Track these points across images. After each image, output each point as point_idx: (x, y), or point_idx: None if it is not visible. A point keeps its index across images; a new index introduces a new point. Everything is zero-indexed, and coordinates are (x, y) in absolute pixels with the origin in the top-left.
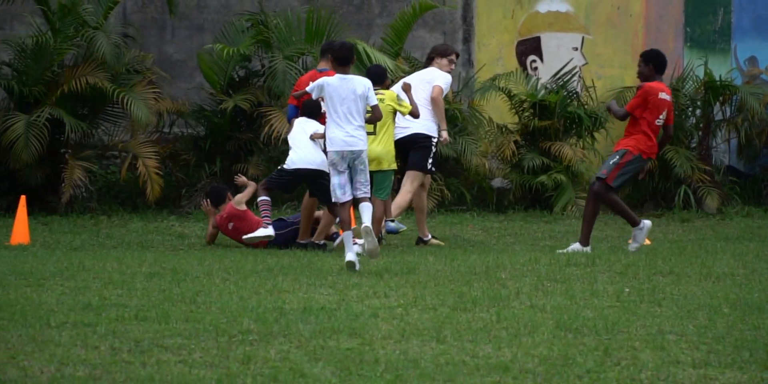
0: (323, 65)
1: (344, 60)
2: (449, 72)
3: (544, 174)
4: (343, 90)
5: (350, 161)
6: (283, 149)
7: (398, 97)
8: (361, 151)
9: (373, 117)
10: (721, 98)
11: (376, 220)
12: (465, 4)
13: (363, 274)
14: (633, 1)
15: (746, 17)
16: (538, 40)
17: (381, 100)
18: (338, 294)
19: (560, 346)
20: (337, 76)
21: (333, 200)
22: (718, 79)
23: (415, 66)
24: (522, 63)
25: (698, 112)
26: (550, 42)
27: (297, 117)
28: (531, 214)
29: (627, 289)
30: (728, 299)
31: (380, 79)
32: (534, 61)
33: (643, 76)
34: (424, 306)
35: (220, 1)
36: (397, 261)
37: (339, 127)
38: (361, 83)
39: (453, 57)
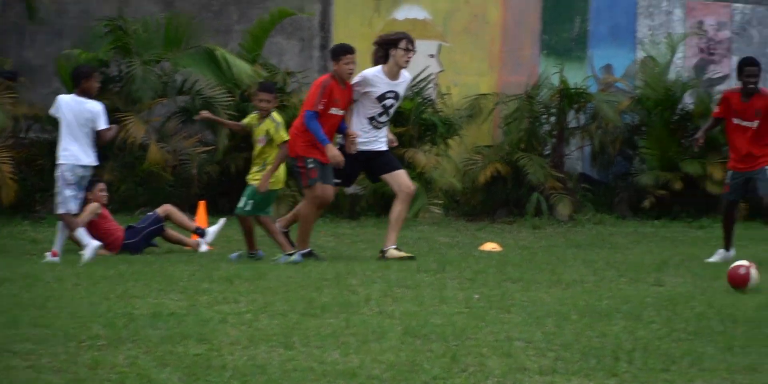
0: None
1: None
2: (406, 63)
3: None
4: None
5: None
6: (137, 154)
7: (277, 126)
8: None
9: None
10: (576, 106)
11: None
12: (323, 12)
13: (213, 279)
14: (490, 8)
15: (603, 25)
16: None
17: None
18: (188, 300)
19: (408, 352)
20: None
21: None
22: (573, 86)
23: (273, 72)
24: None
25: (552, 119)
26: None
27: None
28: (383, 220)
29: (476, 296)
30: (577, 306)
31: (270, 91)
32: None
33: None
34: (274, 312)
35: (79, 7)
36: (248, 267)
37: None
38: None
39: (403, 44)
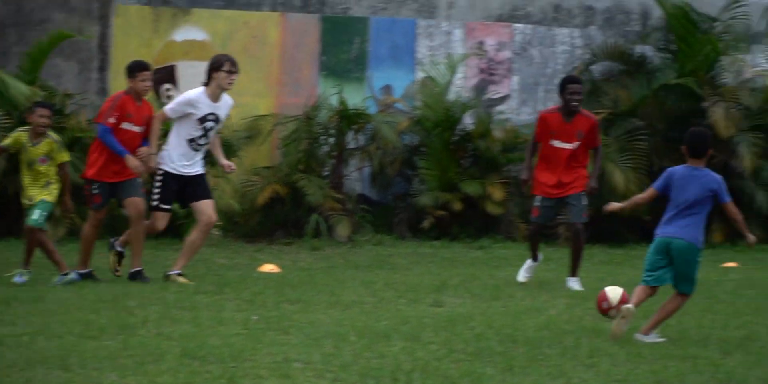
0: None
1: None
2: (230, 85)
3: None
4: None
5: None
6: None
7: (59, 146)
8: None
9: None
10: (355, 126)
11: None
12: (102, 34)
13: None
14: (270, 30)
15: (382, 46)
16: (172, 68)
17: None
18: None
19: (185, 373)
20: None
21: None
22: (352, 107)
23: (52, 93)
24: (157, 91)
25: (332, 140)
26: (186, 70)
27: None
28: (162, 241)
29: (254, 317)
30: (355, 327)
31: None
32: (169, 88)
33: None
34: (51, 334)
35: None
36: (26, 289)
37: None
38: None
39: (227, 66)
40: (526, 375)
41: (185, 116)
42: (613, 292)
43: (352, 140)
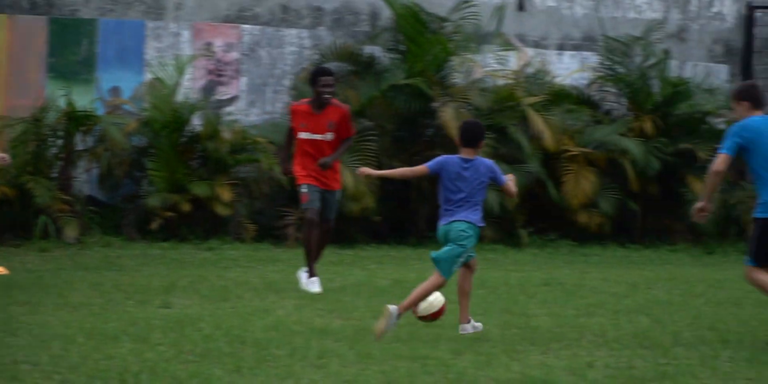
0: None
1: None
2: None
3: None
4: None
5: None
6: None
7: None
8: None
9: None
10: (83, 128)
11: None
12: None
13: None
14: None
15: (111, 48)
16: None
17: None
18: None
19: None
20: None
21: None
22: (80, 109)
23: None
24: None
25: (60, 141)
26: None
27: None
28: None
29: None
30: (83, 329)
31: None
32: None
33: None
34: None
35: None
36: None
37: None
38: None
39: None
40: (254, 376)
41: None
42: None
43: (80, 142)
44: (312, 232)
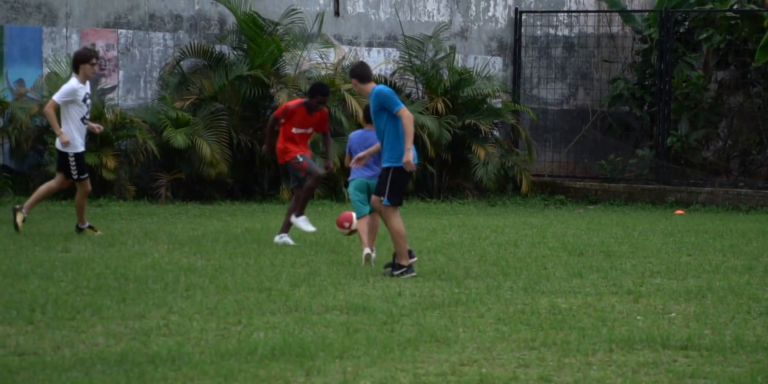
0: None
1: None
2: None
3: None
4: None
5: None
6: None
7: None
8: None
9: None
10: None
11: None
12: None
13: None
14: None
15: (15, 48)
16: None
17: None
18: None
19: None
20: None
21: None
22: None
23: None
24: None
25: None
26: None
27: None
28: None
29: None
30: (0, 269)
31: None
32: None
33: None
34: None
35: None
36: None
37: None
38: None
39: (94, 60)
40: (136, 305)
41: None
42: (353, 218)
43: None
44: (315, 186)
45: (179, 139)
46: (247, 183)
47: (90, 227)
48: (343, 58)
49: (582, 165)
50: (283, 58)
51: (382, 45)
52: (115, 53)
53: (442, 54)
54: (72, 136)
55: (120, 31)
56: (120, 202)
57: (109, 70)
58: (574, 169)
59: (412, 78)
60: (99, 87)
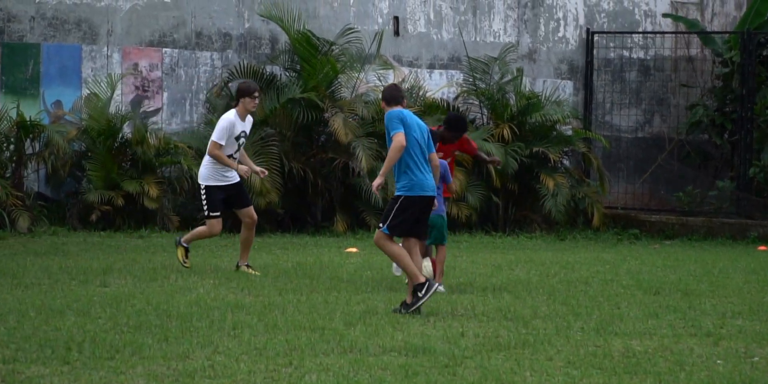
0: None
1: None
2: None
3: None
4: None
5: None
6: None
7: None
8: None
9: None
10: (31, 135)
11: None
12: None
13: None
14: None
15: (53, 68)
16: None
17: None
18: None
19: None
20: None
21: None
22: (28, 119)
23: None
24: None
25: (12, 147)
26: None
27: None
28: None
29: None
30: (34, 305)
31: None
32: None
33: None
34: None
35: None
36: None
37: None
38: None
39: (256, 93)
40: (179, 344)
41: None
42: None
43: (29, 147)
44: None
45: None
46: (298, 213)
47: (248, 266)
48: (403, 80)
49: (658, 197)
50: (339, 80)
51: (444, 67)
52: (159, 74)
53: (509, 77)
54: (211, 170)
55: (165, 50)
56: (163, 234)
57: (152, 92)
58: (649, 201)
59: (477, 102)
60: (141, 110)
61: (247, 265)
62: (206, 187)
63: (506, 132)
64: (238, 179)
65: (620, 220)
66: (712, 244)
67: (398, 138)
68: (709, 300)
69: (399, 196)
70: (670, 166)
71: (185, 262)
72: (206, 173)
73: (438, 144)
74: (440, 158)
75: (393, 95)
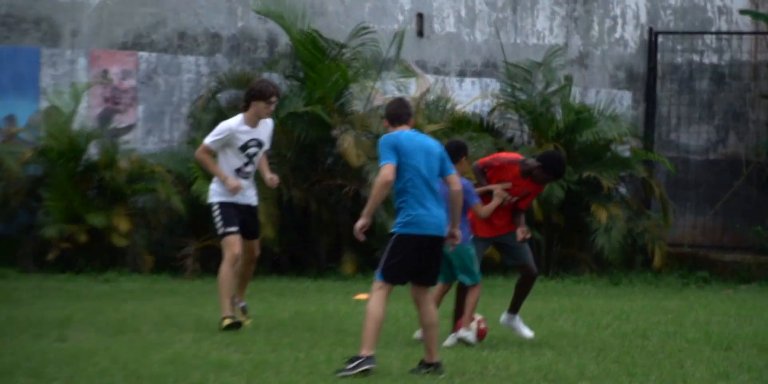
0: None
1: None
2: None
3: None
4: None
5: None
6: None
7: None
8: None
9: None
10: None
11: None
12: None
13: None
14: None
15: (5, 76)
16: None
17: None
18: None
19: None
20: None
21: None
22: None
23: None
24: None
25: None
26: None
27: None
28: None
29: None
30: None
31: None
32: None
33: None
34: None
35: None
36: None
37: None
38: None
39: (273, 98)
40: None
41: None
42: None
43: None
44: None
45: None
46: (299, 252)
47: (244, 310)
48: (428, 90)
49: (732, 232)
50: (350, 90)
51: (477, 74)
52: (133, 82)
53: (555, 86)
54: (222, 185)
55: (140, 53)
56: (134, 276)
57: (125, 105)
58: (721, 237)
59: (516, 117)
60: (111, 126)
61: (243, 308)
62: (219, 203)
63: None
64: (255, 202)
65: (686, 260)
66: None
67: (383, 172)
68: None
69: (392, 234)
70: (747, 194)
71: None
72: (217, 189)
73: (514, 177)
74: (511, 193)
75: (397, 113)
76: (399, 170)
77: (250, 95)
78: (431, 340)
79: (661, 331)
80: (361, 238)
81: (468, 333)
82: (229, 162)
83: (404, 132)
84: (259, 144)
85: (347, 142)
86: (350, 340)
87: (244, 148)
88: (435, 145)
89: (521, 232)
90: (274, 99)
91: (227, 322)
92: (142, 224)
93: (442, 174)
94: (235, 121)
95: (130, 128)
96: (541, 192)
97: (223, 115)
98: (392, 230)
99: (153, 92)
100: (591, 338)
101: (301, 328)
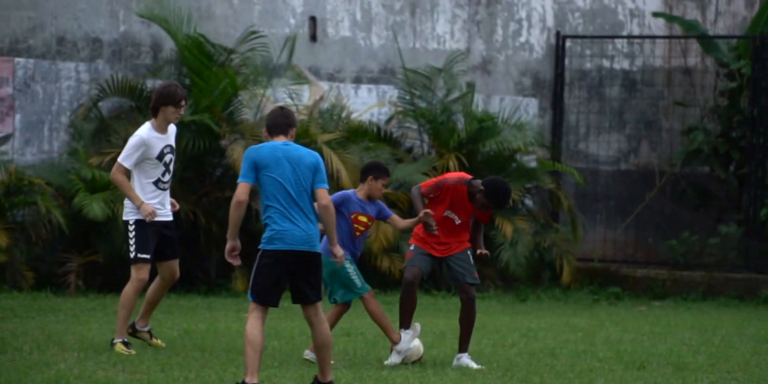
0: None
1: None
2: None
3: None
4: None
5: None
6: None
7: None
8: None
9: None
10: None
11: None
12: None
13: None
14: None
15: None
16: None
17: None
18: None
19: None
20: None
21: None
22: None
23: None
24: None
25: None
26: None
27: None
28: None
29: None
30: None
31: None
32: None
33: None
34: None
35: None
36: None
37: None
38: None
39: (183, 102)
40: None
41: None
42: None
43: None
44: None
45: (95, 208)
46: (187, 268)
47: (149, 333)
48: (321, 98)
49: (645, 246)
50: (240, 97)
51: (374, 81)
52: (9, 90)
53: (457, 93)
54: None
55: (17, 59)
56: (13, 294)
57: (1, 114)
58: (634, 251)
59: (415, 126)
60: None
61: (150, 332)
62: (135, 222)
63: (452, 163)
64: (171, 218)
65: (597, 276)
66: (712, 305)
67: (237, 191)
68: (707, 376)
69: (258, 250)
70: (661, 206)
71: (130, 351)
72: (132, 205)
73: (457, 200)
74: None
75: (276, 123)
76: (262, 185)
77: (159, 100)
78: (324, 361)
79: (571, 349)
80: (236, 262)
81: (408, 333)
82: (147, 174)
83: (270, 143)
84: (173, 150)
85: (237, 153)
86: (242, 360)
87: (160, 157)
88: (308, 156)
89: (482, 256)
90: (184, 103)
91: (121, 348)
92: (21, 239)
93: (313, 187)
94: (145, 131)
95: (6, 138)
96: (490, 215)
97: (105, 124)
98: (258, 247)
99: (31, 100)
100: (497, 357)
101: (191, 347)
